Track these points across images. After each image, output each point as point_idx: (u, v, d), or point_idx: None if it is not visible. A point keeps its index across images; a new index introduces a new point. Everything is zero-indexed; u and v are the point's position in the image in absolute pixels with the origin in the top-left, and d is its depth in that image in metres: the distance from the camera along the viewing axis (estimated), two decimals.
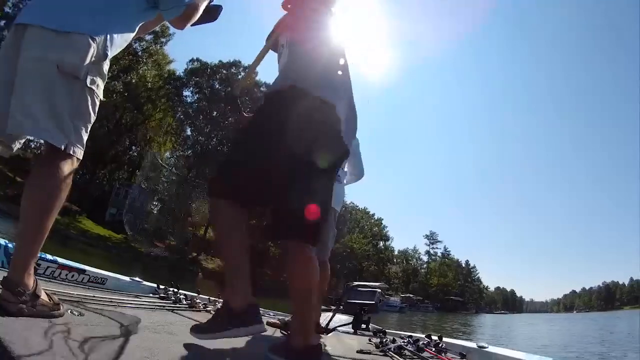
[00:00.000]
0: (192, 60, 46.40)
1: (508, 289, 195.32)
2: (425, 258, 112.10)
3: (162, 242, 40.39)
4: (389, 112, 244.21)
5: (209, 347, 1.92)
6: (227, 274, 1.85)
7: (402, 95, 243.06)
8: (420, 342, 3.02)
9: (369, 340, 3.33)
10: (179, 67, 46.06)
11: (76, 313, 1.80)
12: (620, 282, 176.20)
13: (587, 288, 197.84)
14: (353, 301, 4.20)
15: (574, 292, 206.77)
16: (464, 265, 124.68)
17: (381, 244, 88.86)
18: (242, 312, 1.81)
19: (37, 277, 1.62)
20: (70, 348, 1.35)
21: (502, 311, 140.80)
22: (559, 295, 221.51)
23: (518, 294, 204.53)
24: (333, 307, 4.12)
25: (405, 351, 2.74)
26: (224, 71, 47.17)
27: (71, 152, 1.62)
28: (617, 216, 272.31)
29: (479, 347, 2.96)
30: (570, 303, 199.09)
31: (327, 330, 3.50)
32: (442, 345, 3.06)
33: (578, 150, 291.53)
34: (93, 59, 1.67)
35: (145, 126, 40.16)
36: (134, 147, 42.79)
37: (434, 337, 3.22)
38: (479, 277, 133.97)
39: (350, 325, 4.07)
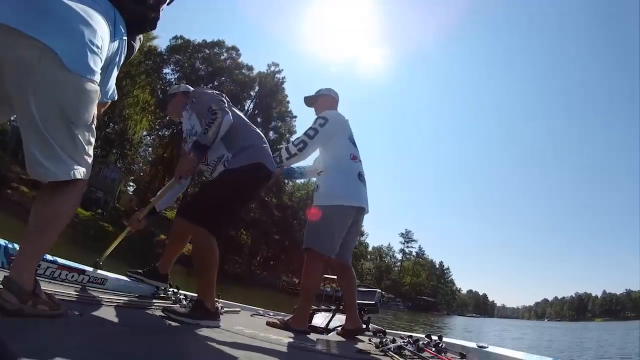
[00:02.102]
0: (175, 38, 45.85)
1: (480, 293, 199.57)
2: (399, 256, 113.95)
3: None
4: (373, 108, 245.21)
5: (207, 347, 2.06)
6: (209, 285, 2.67)
7: (388, 91, 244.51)
8: (420, 342, 3.06)
9: (369, 340, 3.36)
10: (161, 44, 45.56)
11: (76, 313, 1.85)
12: (593, 294, 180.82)
13: (559, 297, 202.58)
14: None
15: (545, 300, 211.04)
16: (437, 266, 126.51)
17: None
18: (214, 310, 2.67)
19: (37, 277, 1.68)
20: (70, 348, 1.39)
21: (474, 314, 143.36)
22: (530, 303, 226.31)
23: (490, 299, 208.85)
24: (333, 307, 4.17)
25: (405, 351, 2.77)
26: (207, 50, 46.77)
27: (87, 178, 1.75)
28: (596, 230, 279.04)
29: (479, 347, 3.02)
30: (541, 311, 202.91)
31: (327, 330, 3.61)
32: (442, 345, 3.11)
33: (561, 157, 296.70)
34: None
35: (123, 103, 39.74)
36: (111, 124, 42.34)
37: (434, 337, 3.27)
38: (452, 279, 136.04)
39: None
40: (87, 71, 1.61)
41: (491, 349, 2.92)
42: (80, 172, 1.69)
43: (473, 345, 3.12)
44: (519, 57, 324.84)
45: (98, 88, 1.70)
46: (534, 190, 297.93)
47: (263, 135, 3.21)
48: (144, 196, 46.35)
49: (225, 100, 3.06)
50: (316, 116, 3.78)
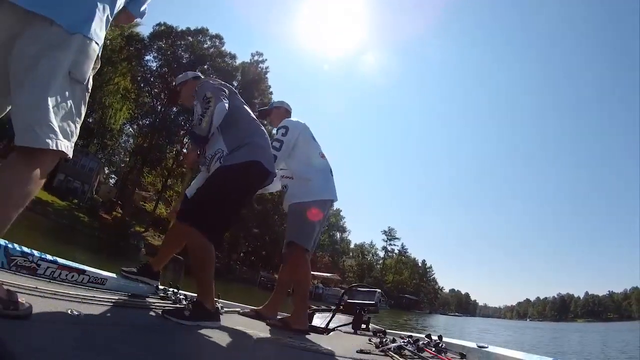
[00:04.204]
0: (158, 24, 45.54)
1: (463, 292, 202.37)
2: (381, 254, 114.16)
3: (109, 214, 40.21)
4: (362, 106, 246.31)
5: (206, 347, 2.11)
6: (207, 286, 2.67)
7: (376, 90, 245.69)
8: (420, 342, 3.10)
9: (369, 340, 3.38)
10: (145, 31, 45.11)
11: (76, 313, 1.86)
12: (576, 295, 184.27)
13: (541, 298, 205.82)
14: (353, 301, 4.27)
15: (528, 300, 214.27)
16: (420, 264, 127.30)
17: (337, 235, 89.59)
18: (213, 311, 2.70)
19: (37, 277, 1.67)
20: (70, 348, 1.40)
21: (456, 313, 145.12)
22: (512, 303, 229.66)
23: (472, 298, 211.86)
24: (333, 307, 4.21)
25: (405, 351, 2.80)
26: (190, 38, 46.57)
27: (69, 154, 1.64)
28: (579, 231, 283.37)
29: (479, 347, 3.08)
30: (523, 311, 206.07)
31: (327, 330, 3.60)
32: (442, 345, 3.16)
33: (548, 158, 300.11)
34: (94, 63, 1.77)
35: (102, 90, 39.13)
36: (92, 114, 41.68)
37: (434, 337, 3.33)
38: (434, 278, 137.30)
39: (350, 325, 4.08)
40: (83, 27, 1.65)
41: (491, 349, 2.99)
42: (65, 145, 1.60)
43: (473, 345, 3.20)
44: (511, 53, 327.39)
45: (97, 47, 1.74)
46: (519, 190, 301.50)
47: (265, 131, 3.22)
48: (123, 187, 46.02)
49: (226, 90, 3.07)
50: (274, 128, 3.97)
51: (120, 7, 1.97)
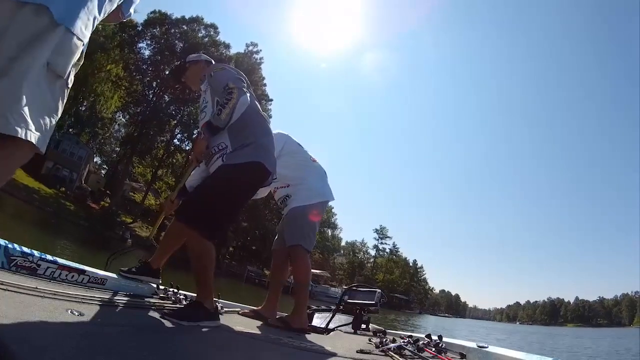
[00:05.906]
0: (152, 12, 45.13)
1: (453, 293, 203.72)
2: (372, 252, 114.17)
3: (97, 203, 40.11)
4: (357, 101, 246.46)
5: (207, 347, 2.12)
6: (206, 286, 2.69)
7: (371, 91, 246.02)
8: (420, 342, 3.11)
9: (369, 340, 3.40)
10: (139, 18, 44.70)
11: (76, 313, 1.88)
12: (566, 300, 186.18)
13: (531, 301, 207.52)
14: (353, 301, 4.30)
15: (518, 303, 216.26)
16: (411, 264, 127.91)
17: (329, 232, 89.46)
18: (213, 310, 2.71)
19: (37, 277, 1.70)
20: (70, 348, 1.41)
21: (446, 314, 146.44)
22: (502, 305, 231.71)
23: (462, 299, 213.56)
24: (333, 307, 4.27)
25: (406, 351, 2.81)
26: (184, 27, 46.42)
27: (41, 148, 1.62)
28: (570, 236, 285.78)
29: (479, 347, 3.12)
30: (513, 314, 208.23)
31: (327, 330, 3.65)
32: (442, 345, 3.17)
33: (543, 162, 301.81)
34: (77, 60, 1.75)
35: (94, 78, 38.69)
36: (85, 103, 41.24)
37: (434, 337, 3.34)
38: (425, 278, 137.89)
39: (350, 325, 4.11)
40: (69, 21, 1.64)
41: (491, 349, 3.04)
42: (36, 137, 1.56)
43: (473, 345, 3.24)
44: (506, 52, 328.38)
45: (80, 43, 1.72)
46: (512, 193, 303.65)
47: (270, 130, 3.19)
48: (113, 177, 45.77)
49: (245, 81, 3.00)
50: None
51: (114, 8, 2.00)
